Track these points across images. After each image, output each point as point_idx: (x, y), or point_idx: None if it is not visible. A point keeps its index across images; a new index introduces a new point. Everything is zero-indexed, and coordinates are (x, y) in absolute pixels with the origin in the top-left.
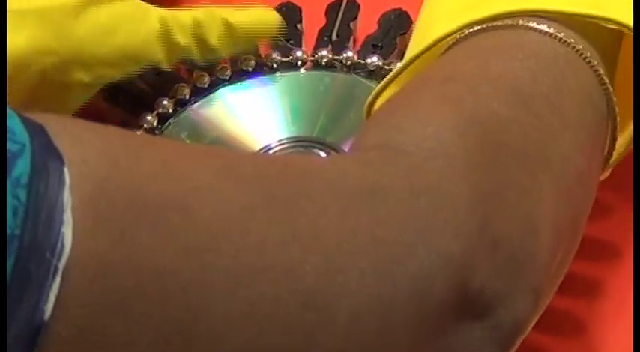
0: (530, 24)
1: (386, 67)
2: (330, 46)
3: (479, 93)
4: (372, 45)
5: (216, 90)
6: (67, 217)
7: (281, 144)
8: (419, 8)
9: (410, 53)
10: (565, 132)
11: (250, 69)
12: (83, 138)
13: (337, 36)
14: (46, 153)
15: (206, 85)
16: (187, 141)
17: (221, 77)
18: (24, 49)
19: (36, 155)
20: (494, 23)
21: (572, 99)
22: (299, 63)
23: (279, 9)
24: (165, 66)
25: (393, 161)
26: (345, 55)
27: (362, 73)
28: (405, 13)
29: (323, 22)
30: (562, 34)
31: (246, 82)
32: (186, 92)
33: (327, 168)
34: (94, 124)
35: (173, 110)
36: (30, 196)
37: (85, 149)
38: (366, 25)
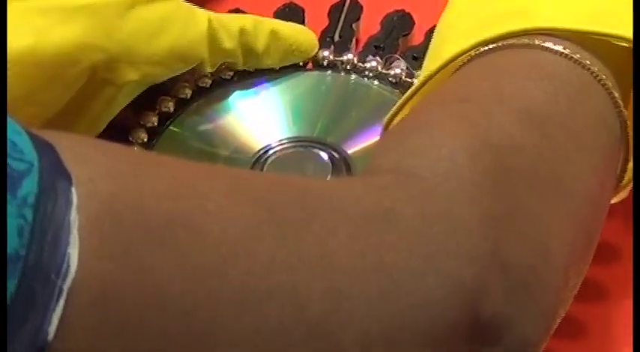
0: (546, 44)
1: (384, 71)
2: (332, 47)
3: (493, 115)
4: (375, 46)
5: (217, 90)
6: (74, 238)
7: (281, 144)
8: (422, 9)
9: (424, 72)
10: (578, 155)
11: (252, 69)
12: (91, 157)
13: (340, 37)
14: (55, 173)
15: (208, 85)
16: (188, 140)
17: (223, 77)
18: (73, 44)
19: (44, 174)
20: (509, 41)
21: (586, 121)
22: (300, 63)
23: (282, 9)
24: (209, 68)
25: (405, 186)
26: (345, 57)
27: (363, 74)
28: (408, 14)
29: (326, 22)
30: (577, 55)
31: (247, 82)
32: (188, 92)
33: (340, 191)
34: (103, 143)
35: (174, 109)
36: (36, 216)
37: (93, 168)
38: (368, 26)
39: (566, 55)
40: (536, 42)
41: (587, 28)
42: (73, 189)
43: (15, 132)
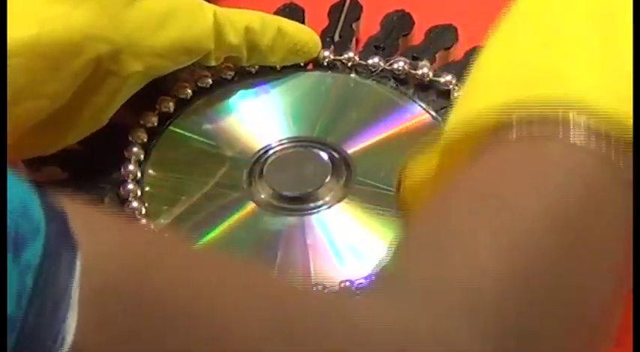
0: (579, 138)
1: (387, 68)
2: (332, 47)
3: (532, 231)
4: (375, 46)
5: (218, 90)
6: (73, 308)
7: (281, 144)
8: (422, 9)
9: (452, 120)
10: (602, 261)
11: (253, 70)
12: (102, 231)
13: (339, 37)
14: (61, 240)
15: (208, 85)
16: (188, 140)
17: (223, 77)
18: (78, 34)
19: (50, 240)
20: (541, 123)
21: (612, 221)
22: (301, 63)
23: (282, 9)
24: (213, 62)
25: (428, 312)
26: (346, 55)
27: (363, 74)
28: (408, 14)
29: (326, 22)
30: (610, 151)
31: (248, 82)
32: (188, 92)
33: (359, 313)
34: (118, 217)
35: (174, 109)
36: (38, 282)
37: (102, 241)
38: (368, 26)
39: (596, 152)
40: (574, 135)
41: (617, 110)
42: (77, 260)
43: (26, 194)
